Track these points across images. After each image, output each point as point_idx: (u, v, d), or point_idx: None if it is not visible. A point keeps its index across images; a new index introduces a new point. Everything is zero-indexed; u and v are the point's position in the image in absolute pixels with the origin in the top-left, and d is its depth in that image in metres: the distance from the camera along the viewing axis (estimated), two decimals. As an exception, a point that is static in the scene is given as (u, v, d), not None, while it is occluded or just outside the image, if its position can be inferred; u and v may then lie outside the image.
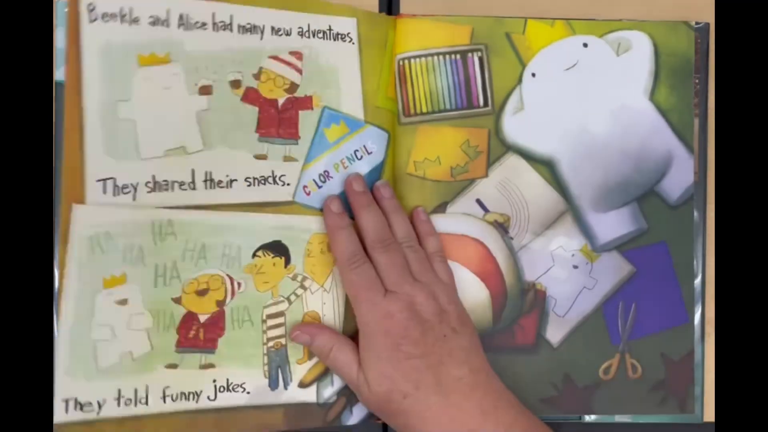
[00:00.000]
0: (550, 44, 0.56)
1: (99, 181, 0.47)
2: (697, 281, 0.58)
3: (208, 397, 0.50)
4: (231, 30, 0.49)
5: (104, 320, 0.47)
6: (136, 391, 0.48)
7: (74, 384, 0.47)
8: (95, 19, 0.47)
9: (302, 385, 0.53)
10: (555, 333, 0.56)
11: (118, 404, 0.48)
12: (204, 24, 0.49)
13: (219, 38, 0.49)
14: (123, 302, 0.48)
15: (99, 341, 0.47)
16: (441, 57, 0.56)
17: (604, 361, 0.56)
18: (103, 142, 0.47)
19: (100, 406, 0.47)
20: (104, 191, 0.47)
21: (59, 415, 0.47)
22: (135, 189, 0.48)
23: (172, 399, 0.49)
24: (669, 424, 0.58)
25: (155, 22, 0.48)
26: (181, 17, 0.48)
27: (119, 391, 0.48)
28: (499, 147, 0.56)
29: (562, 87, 0.56)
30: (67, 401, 0.47)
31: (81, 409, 0.47)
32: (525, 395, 0.56)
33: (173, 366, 0.49)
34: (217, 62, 0.49)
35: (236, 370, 0.51)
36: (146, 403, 0.48)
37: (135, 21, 0.47)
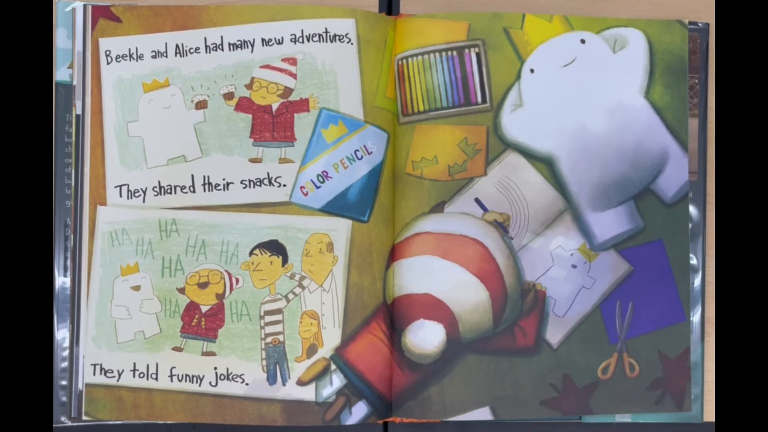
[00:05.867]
0: (548, 40, 0.58)
1: (116, 186, 0.59)
2: (697, 281, 0.59)
3: (210, 383, 0.58)
4: (222, 49, 0.59)
5: (122, 302, 0.58)
6: (148, 366, 0.58)
7: (99, 352, 0.58)
8: (110, 62, 0.59)
9: (300, 383, 0.57)
10: (554, 334, 0.58)
11: (134, 376, 0.58)
12: (197, 48, 0.59)
13: (211, 58, 0.59)
14: (136, 288, 0.58)
15: (118, 319, 0.59)
16: (437, 54, 0.57)
17: (602, 360, 0.58)
18: (118, 155, 0.59)
19: (119, 374, 0.58)
20: (120, 195, 0.58)
21: (88, 377, 0.58)
22: (144, 193, 0.58)
23: (178, 379, 0.58)
24: (669, 424, 0.59)
25: (156, 55, 0.59)
26: (177, 47, 0.59)
27: (134, 364, 0.58)
28: (498, 145, 0.58)
29: (561, 84, 0.58)
30: (94, 366, 0.58)
31: (105, 374, 0.58)
32: (525, 397, 0.58)
33: (179, 349, 0.58)
34: (210, 79, 0.59)
35: (236, 361, 0.58)
36: (156, 378, 0.58)
37: (140, 57, 0.59)
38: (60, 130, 0.59)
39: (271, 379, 0.58)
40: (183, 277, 0.58)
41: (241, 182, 0.58)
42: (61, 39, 0.59)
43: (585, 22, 0.60)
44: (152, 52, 0.59)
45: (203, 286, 0.58)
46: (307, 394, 0.58)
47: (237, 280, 0.58)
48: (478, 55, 0.59)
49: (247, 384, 0.57)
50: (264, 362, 0.57)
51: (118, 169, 0.58)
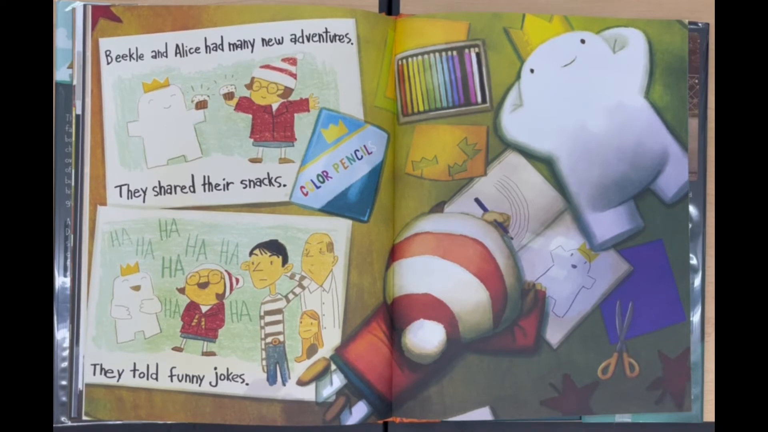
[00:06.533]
0: (548, 40, 0.58)
1: (116, 186, 0.59)
2: (697, 281, 0.59)
3: (210, 383, 0.58)
4: (222, 49, 0.59)
5: (122, 302, 0.59)
6: (148, 366, 0.58)
7: (99, 352, 0.58)
8: (111, 62, 0.59)
9: (300, 383, 0.57)
10: (554, 334, 0.58)
11: (134, 376, 0.58)
12: (197, 48, 0.59)
13: (211, 58, 0.59)
14: (136, 288, 0.59)
15: (118, 319, 0.59)
16: (437, 54, 0.57)
17: (602, 360, 0.58)
18: (118, 155, 0.59)
19: (119, 375, 0.58)
20: (120, 195, 0.59)
21: (88, 377, 0.58)
22: (144, 193, 0.59)
23: (179, 379, 0.58)
24: (669, 424, 0.59)
25: (156, 55, 0.59)
26: (177, 47, 0.59)
27: (134, 364, 0.58)
28: (498, 145, 0.58)
29: (561, 84, 0.58)
30: (94, 366, 0.58)
31: (105, 374, 0.58)
32: (525, 397, 0.58)
33: (179, 349, 0.59)
34: (210, 79, 0.59)
35: (236, 361, 0.58)
36: (156, 378, 0.58)
37: (140, 57, 0.59)
38: (60, 130, 0.59)
39: (271, 379, 0.58)
40: (183, 277, 0.58)
41: (241, 182, 0.58)
42: (61, 39, 0.59)
43: (585, 22, 0.60)
44: (152, 52, 0.59)
45: (203, 286, 0.58)
46: (307, 394, 0.58)
47: (237, 280, 0.58)
48: (478, 55, 0.59)
49: (247, 384, 0.57)
50: (264, 362, 0.58)
51: (118, 169, 0.58)
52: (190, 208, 0.58)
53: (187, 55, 0.59)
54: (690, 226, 0.60)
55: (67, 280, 0.58)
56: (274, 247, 0.58)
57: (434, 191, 0.59)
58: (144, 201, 0.58)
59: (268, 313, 0.58)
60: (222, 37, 0.59)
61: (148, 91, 0.59)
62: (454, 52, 0.59)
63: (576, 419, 0.60)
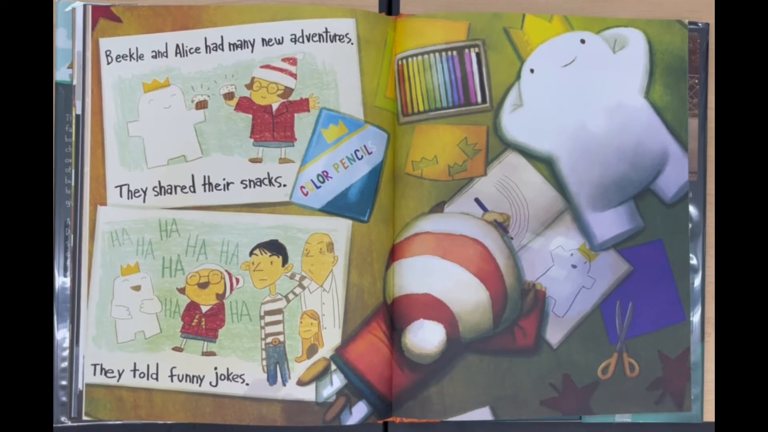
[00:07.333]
0: (548, 40, 0.58)
1: (116, 187, 0.59)
2: (697, 281, 0.59)
3: (210, 383, 0.58)
4: (222, 49, 0.59)
5: (122, 302, 0.59)
6: (148, 366, 0.58)
7: (99, 352, 0.59)
8: (111, 62, 0.59)
9: (301, 383, 0.57)
10: (554, 334, 0.58)
11: (134, 376, 0.58)
12: (198, 48, 0.59)
13: (212, 58, 0.59)
14: (136, 288, 0.59)
15: (118, 319, 0.59)
16: (437, 54, 0.57)
17: (602, 360, 0.58)
18: (118, 155, 0.59)
19: (119, 375, 0.58)
20: (120, 195, 0.59)
21: (88, 377, 0.58)
22: (144, 193, 0.59)
23: (179, 379, 0.58)
24: (669, 424, 0.59)
25: (156, 55, 0.59)
26: (177, 47, 0.59)
27: (135, 364, 0.59)
28: (498, 145, 0.58)
29: (561, 84, 0.58)
30: (94, 366, 0.59)
31: (105, 374, 0.58)
32: (525, 397, 0.58)
33: (179, 349, 0.59)
34: (210, 79, 0.59)
35: (236, 361, 0.58)
36: (156, 378, 0.58)
37: (140, 57, 0.59)
38: (60, 130, 0.59)
39: (272, 379, 0.58)
40: (183, 277, 0.58)
41: (242, 182, 0.58)
42: (61, 39, 0.59)
43: (585, 22, 0.60)
44: (152, 52, 0.59)
45: (203, 286, 0.58)
46: (308, 394, 0.58)
47: (237, 280, 0.58)
48: (478, 55, 0.59)
49: (247, 384, 0.58)
50: (264, 362, 0.58)
51: (118, 169, 0.59)
52: (190, 208, 0.58)
53: (187, 55, 0.59)
54: (690, 226, 0.60)
55: (67, 280, 0.59)
56: (274, 247, 0.58)
57: (434, 191, 0.59)
58: (144, 201, 0.58)
59: (268, 313, 0.58)
60: (222, 37, 0.59)
61: (148, 91, 0.59)
62: (454, 52, 0.59)
63: (576, 419, 0.60)
